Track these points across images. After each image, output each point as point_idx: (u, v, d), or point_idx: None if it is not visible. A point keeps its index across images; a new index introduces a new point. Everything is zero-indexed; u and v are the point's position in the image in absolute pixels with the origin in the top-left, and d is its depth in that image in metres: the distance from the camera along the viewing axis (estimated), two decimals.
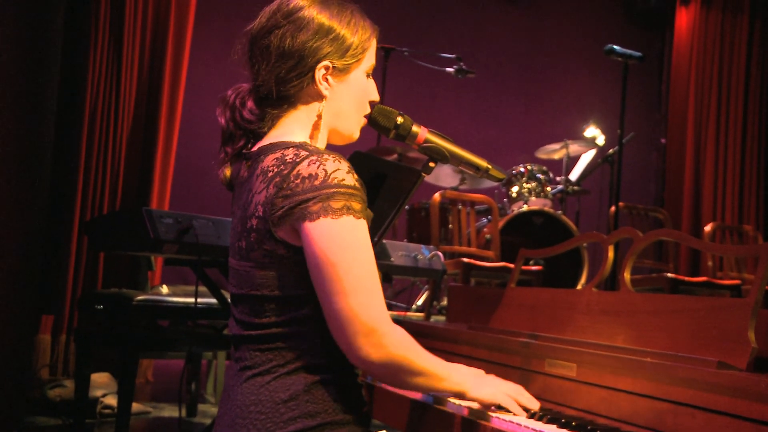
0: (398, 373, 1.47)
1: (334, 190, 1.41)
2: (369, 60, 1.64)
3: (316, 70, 1.55)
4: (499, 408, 1.66)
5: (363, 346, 1.41)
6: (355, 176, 1.46)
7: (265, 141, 1.57)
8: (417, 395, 1.96)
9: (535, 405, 1.68)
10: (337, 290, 1.40)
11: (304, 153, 1.46)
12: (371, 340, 1.41)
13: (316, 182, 1.42)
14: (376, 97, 1.68)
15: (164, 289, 3.44)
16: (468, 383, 1.59)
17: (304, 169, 1.44)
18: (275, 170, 1.46)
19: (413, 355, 1.47)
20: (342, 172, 1.44)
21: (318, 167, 1.43)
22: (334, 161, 1.44)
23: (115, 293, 3.32)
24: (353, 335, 1.40)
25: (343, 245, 1.40)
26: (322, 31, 1.55)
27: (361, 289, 1.40)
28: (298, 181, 1.43)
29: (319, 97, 1.58)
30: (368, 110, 1.67)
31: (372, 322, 1.40)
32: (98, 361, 4.13)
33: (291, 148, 1.49)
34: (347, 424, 1.49)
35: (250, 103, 1.58)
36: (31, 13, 3.57)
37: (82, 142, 4.85)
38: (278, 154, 1.49)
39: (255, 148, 1.57)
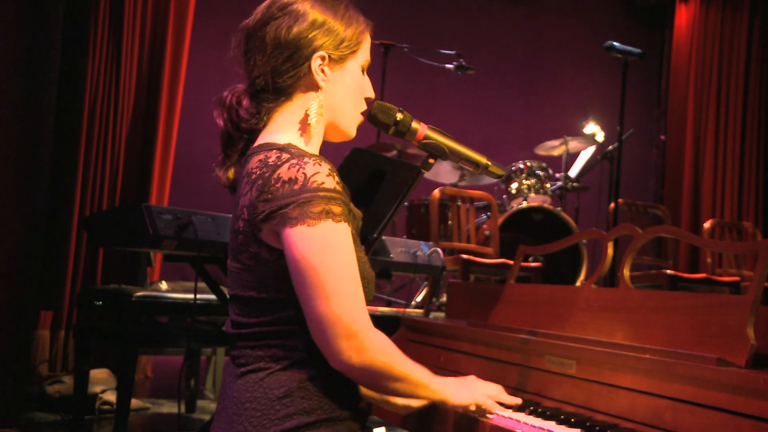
0: (379, 378, 1.46)
1: (313, 194, 1.41)
2: (364, 54, 1.64)
3: (312, 60, 1.56)
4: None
5: (344, 349, 1.40)
6: (336, 178, 1.45)
7: (258, 140, 1.58)
8: None
9: (515, 402, 1.70)
10: (317, 294, 1.39)
11: (285, 156, 1.46)
12: (352, 344, 1.40)
13: (296, 186, 1.42)
14: (372, 94, 1.69)
15: (163, 285, 3.44)
16: (447, 390, 1.59)
17: (284, 172, 1.43)
18: (258, 173, 1.47)
19: (394, 360, 1.47)
20: (321, 176, 1.43)
21: (297, 171, 1.43)
22: (314, 164, 1.44)
23: (114, 289, 3.32)
24: (334, 339, 1.40)
25: (322, 249, 1.40)
26: (316, 23, 1.56)
27: (342, 293, 1.40)
28: (278, 185, 1.43)
29: (315, 88, 1.58)
30: (364, 107, 1.68)
31: (353, 325, 1.40)
32: (97, 357, 4.13)
33: (274, 150, 1.49)
34: (343, 420, 1.49)
35: (245, 102, 1.59)
36: (31, 8, 3.57)
37: (81, 138, 4.85)
38: (262, 156, 1.49)
39: (249, 148, 1.58)
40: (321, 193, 1.41)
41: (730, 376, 1.36)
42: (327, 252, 1.40)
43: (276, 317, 1.48)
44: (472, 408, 1.65)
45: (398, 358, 1.48)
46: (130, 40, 5.07)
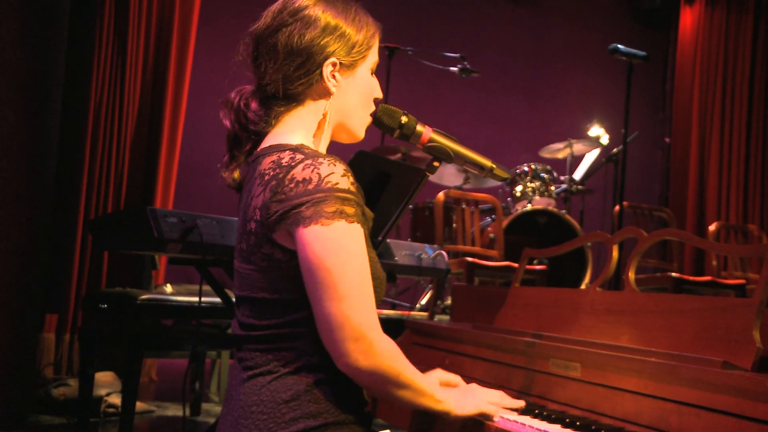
0: (384, 383, 1.45)
1: (327, 194, 1.41)
2: (373, 57, 1.65)
3: (324, 67, 1.56)
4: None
5: (351, 352, 1.40)
6: (351, 179, 1.45)
7: (267, 141, 1.57)
8: None
9: (519, 406, 1.70)
10: (328, 295, 1.39)
11: (299, 156, 1.46)
12: (360, 347, 1.40)
13: (310, 186, 1.41)
14: (380, 95, 1.69)
15: (168, 288, 3.44)
16: (451, 402, 1.58)
17: (298, 173, 1.43)
18: (271, 174, 1.46)
19: (400, 366, 1.46)
20: (336, 176, 1.43)
21: (312, 171, 1.43)
22: (328, 164, 1.44)
23: (119, 292, 3.32)
24: (342, 341, 1.39)
25: (335, 250, 1.40)
26: (328, 29, 1.55)
27: (353, 295, 1.40)
28: (292, 185, 1.43)
29: (326, 94, 1.59)
30: (373, 108, 1.68)
31: (361, 328, 1.40)
32: (102, 360, 4.13)
33: (287, 151, 1.48)
34: (349, 423, 1.49)
35: (254, 105, 1.59)
36: (36, 12, 3.58)
37: (86, 141, 4.86)
38: (275, 157, 1.49)
39: (258, 149, 1.58)
40: (335, 194, 1.41)
41: (736, 380, 1.35)
42: (339, 253, 1.40)
43: (288, 319, 1.48)
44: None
45: (405, 364, 1.48)
46: (135, 43, 5.08)
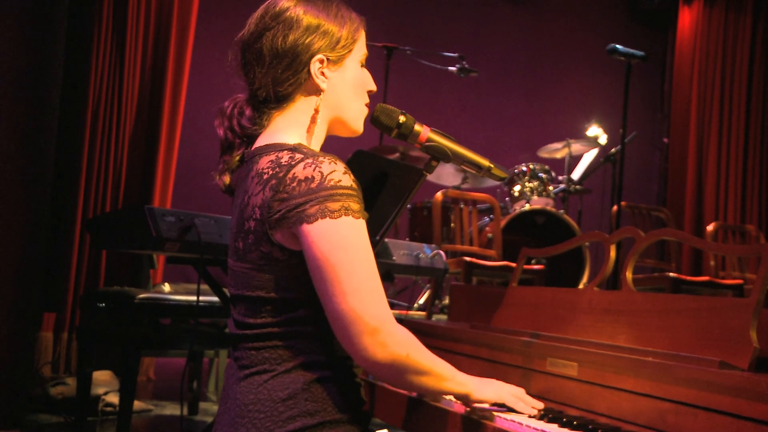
0: (403, 373, 1.46)
1: (331, 191, 1.42)
2: (360, 50, 1.65)
3: (311, 65, 1.57)
4: (503, 407, 1.67)
5: (368, 346, 1.40)
6: (352, 177, 1.46)
7: (261, 141, 1.58)
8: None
9: (538, 406, 1.69)
10: (338, 291, 1.39)
11: (299, 156, 1.46)
12: (376, 340, 1.40)
13: (313, 185, 1.42)
14: (373, 87, 1.70)
15: (166, 287, 3.44)
16: (471, 385, 1.61)
17: (299, 171, 1.44)
18: (270, 172, 1.47)
19: (418, 354, 1.47)
20: (338, 174, 1.44)
21: (314, 170, 1.43)
22: (329, 163, 1.44)
23: (117, 291, 3.32)
24: (357, 336, 1.40)
25: (342, 246, 1.40)
26: (311, 28, 1.57)
27: (363, 290, 1.40)
28: (294, 184, 1.43)
29: (317, 91, 1.60)
30: (367, 99, 1.69)
31: (375, 321, 1.40)
32: (100, 359, 4.13)
33: (286, 151, 1.49)
34: (346, 422, 1.49)
35: (248, 111, 1.60)
36: (35, 12, 3.58)
37: (84, 140, 4.86)
38: (273, 156, 1.49)
39: (252, 148, 1.58)
40: (339, 191, 1.42)
41: (733, 379, 1.36)
42: (347, 249, 1.40)
43: (285, 318, 1.48)
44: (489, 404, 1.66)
45: (422, 351, 1.49)
46: (133, 43, 5.08)
